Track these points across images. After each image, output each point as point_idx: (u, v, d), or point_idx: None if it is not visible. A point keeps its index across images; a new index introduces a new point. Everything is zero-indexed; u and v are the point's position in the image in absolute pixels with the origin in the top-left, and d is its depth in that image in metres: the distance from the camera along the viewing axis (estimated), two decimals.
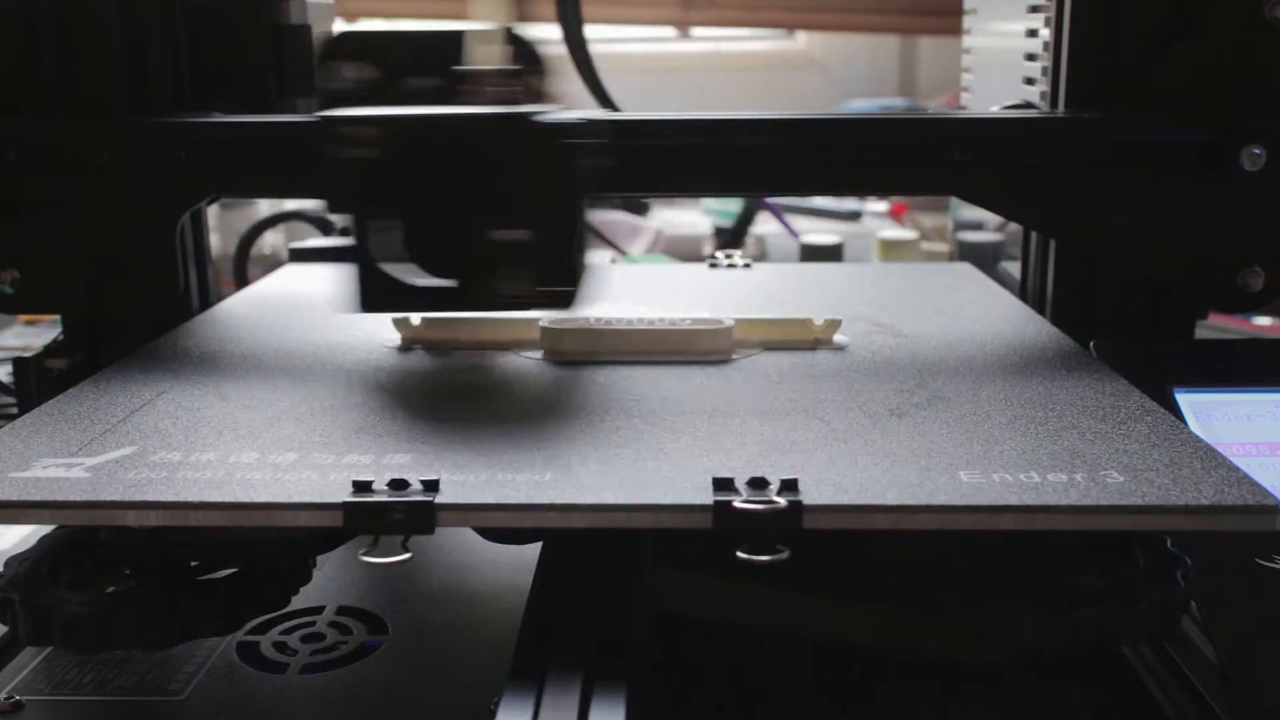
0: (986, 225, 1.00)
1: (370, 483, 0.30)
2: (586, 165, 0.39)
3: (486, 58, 0.41)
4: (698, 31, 1.71)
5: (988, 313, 0.50)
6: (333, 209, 0.42)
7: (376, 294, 0.39)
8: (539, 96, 0.42)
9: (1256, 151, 0.43)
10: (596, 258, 0.79)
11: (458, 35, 0.42)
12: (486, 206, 0.38)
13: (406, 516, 0.30)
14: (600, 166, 0.40)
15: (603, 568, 0.34)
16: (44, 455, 0.33)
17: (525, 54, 0.42)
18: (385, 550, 0.31)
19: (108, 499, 0.31)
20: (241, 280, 0.77)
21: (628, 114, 0.46)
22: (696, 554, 0.35)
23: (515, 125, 0.38)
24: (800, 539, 0.29)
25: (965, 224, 1.04)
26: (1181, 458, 0.32)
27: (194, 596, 0.34)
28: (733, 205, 1.10)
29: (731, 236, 1.05)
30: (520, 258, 0.38)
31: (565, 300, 0.39)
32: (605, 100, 0.88)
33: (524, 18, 0.41)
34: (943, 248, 1.08)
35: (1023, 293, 0.54)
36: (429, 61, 0.44)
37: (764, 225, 1.13)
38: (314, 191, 0.46)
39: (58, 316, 0.51)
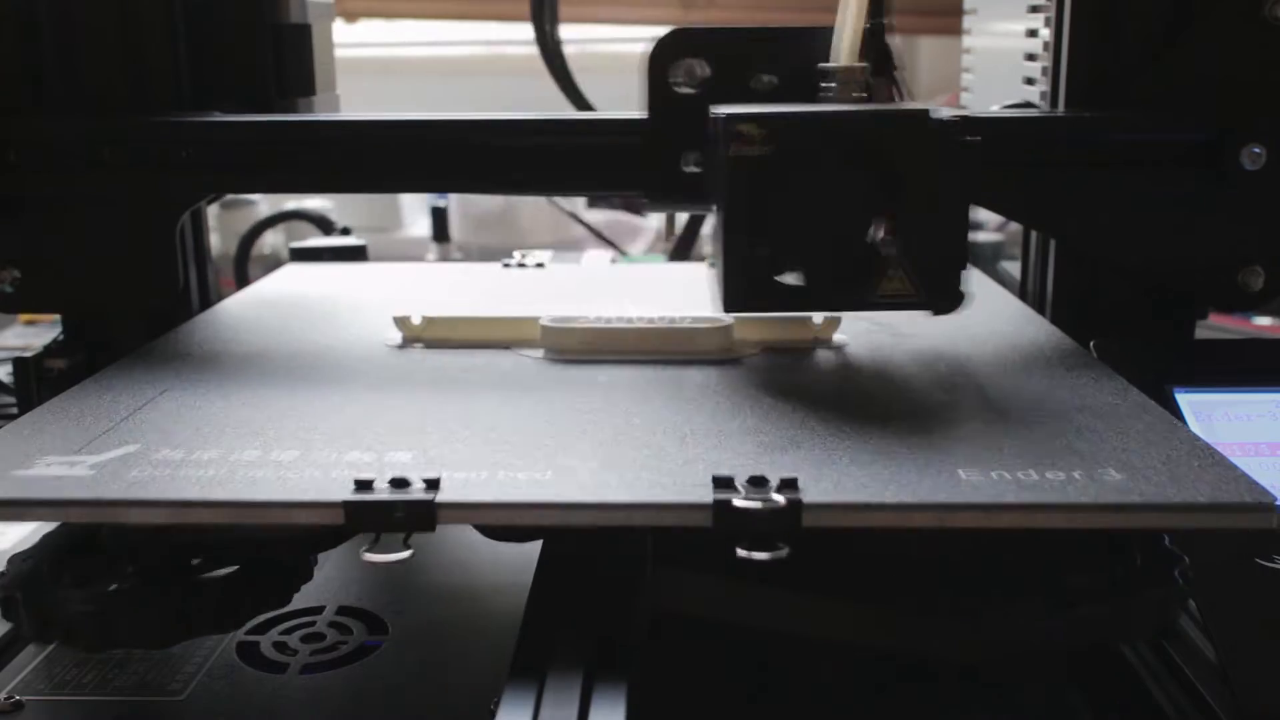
0: (986, 225, 1.00)
1: (372, 481, 0.30)
2: (974, 163, 0.38)
3: (844, 54, 0.41)
4: None
5: (987, 312, 0.50)
6: (648, 204, 0.42)
7: (747, 293, 0.38)
8: (896, 93, 0.41)
9: (1257, 151, 0.43)
10: (598, 258, 0.78)
11: (798, 32, 0.42)
12: (878, 204, 0.37)
13: (408, 514, 0.30)
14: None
15: (603, 566, 0.34)
16: (47, 453, 0.33)
17: (880, 50, 0.41)
18: (386, 548, 0.31)
19: (110, 497, 0.30)
20: (242, 280, 0.77)
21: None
22: (697, 554, 0.35)
23: (921, 124, 0.37)
24: (800, 537, 0.29)
25: None
26: (1179, 456, 0.32)
27: (196, 595, 0.34)
28: None
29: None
30: (906, 257, 0.37)
31: (952, 301, 0.38)
32: (580, 102, 0.87)
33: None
34: None
35: (1023, 292, 0.54)
36: (765, 59, 0.43)
37: None
38: (632, 185, 0.46)
39: (58, 316, 0.51)
